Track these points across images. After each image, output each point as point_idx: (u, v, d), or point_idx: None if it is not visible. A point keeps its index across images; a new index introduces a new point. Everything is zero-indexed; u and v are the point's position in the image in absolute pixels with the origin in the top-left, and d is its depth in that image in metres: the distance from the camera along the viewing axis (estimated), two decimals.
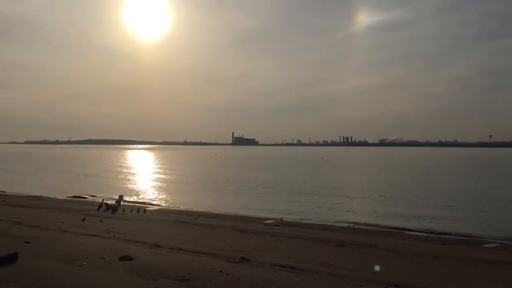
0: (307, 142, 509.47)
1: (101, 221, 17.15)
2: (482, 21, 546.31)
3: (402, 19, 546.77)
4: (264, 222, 19.77)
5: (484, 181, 44.38)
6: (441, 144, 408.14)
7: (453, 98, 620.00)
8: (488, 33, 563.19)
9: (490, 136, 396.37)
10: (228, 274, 8.78)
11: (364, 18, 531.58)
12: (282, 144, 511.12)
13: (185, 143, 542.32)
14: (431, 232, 18.26)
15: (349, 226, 19.72)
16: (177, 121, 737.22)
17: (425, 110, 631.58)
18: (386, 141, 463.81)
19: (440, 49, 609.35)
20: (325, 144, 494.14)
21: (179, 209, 24.54)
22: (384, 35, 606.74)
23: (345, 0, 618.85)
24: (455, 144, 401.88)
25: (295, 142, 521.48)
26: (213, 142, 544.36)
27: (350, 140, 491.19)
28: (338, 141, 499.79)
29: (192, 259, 10.16)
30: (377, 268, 10.26)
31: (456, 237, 17.39)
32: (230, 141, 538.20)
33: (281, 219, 21.01)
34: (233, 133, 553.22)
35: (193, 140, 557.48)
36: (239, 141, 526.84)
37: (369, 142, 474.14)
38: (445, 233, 18.15)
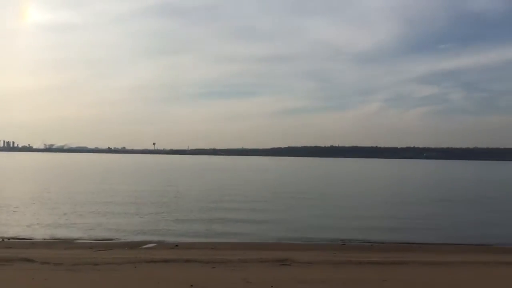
0: None
1: None
2: (154, 37, 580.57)
3: (73, 22, 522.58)
4: None
5: (146, 185, 48.03)
6: (110, 150, 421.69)
7: (125, 106, 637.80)
8: (160, 49, 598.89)
9: (154, 143, 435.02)
10: None
11: (32, 13, 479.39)
12: None
13: None
14: (96, 239, 18.37)
15: (3, 240, 17.64)
16: None
17: (96, 116, 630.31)
18: (54, 147, 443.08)
19: (116, 58, 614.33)
20: None
21: None
22: (55, 36, 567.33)
23: None
24: (123, 151, 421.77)
25: None
26: None
27: (12, 145, 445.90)
28: None
29: None
30: None
31: (119, 241, 17.96)
32: None
33: None
34: None
35: None
36: None
37: (34, 147, 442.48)
38: (110, 239, 18.51)
